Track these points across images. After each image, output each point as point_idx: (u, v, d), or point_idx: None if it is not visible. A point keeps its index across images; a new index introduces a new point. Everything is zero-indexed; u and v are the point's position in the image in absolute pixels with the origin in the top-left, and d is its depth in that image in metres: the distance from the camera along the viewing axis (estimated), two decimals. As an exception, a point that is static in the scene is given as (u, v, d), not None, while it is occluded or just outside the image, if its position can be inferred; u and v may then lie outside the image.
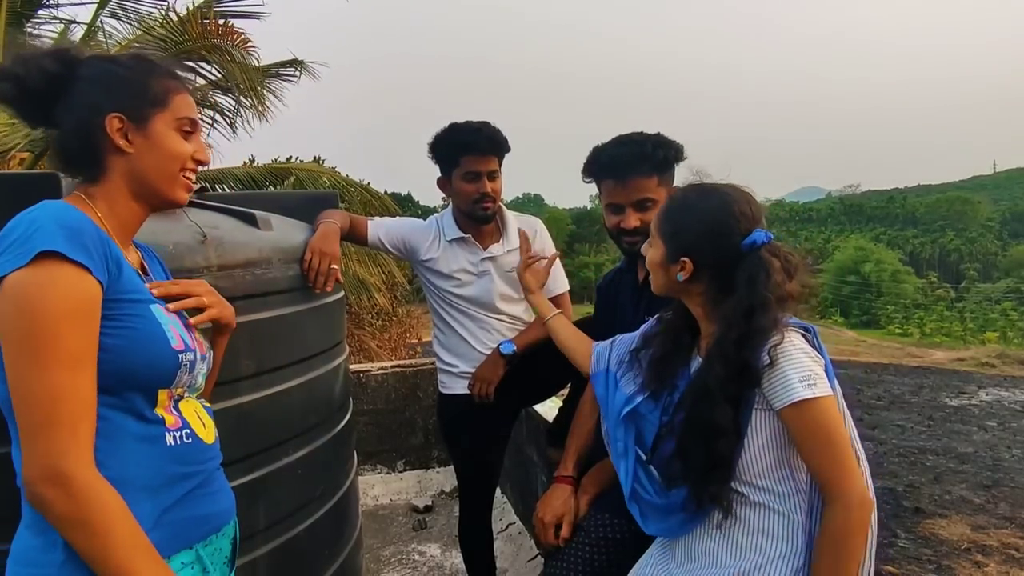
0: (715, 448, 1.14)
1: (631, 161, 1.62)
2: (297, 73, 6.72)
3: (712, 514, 1.22)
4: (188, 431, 1.00)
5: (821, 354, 1.18)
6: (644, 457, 1.33)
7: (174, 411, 0.99)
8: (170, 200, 1.04)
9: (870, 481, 1.16)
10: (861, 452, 1.19)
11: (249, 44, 5.86)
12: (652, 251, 1.30)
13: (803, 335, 1.19)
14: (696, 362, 1.29)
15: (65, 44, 1.03)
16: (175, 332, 0.98)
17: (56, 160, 1.01)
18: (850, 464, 1.11)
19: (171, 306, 1.03)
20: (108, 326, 0.89)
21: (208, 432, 1.04)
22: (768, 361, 1.13)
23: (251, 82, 5.51)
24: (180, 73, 1.06)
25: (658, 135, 1.66)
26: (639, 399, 1.37)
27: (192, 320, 1.07)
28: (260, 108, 6.11)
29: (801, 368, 1.12)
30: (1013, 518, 2.76)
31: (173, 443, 0.97)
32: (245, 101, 5.99)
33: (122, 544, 0.85)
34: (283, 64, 6.74)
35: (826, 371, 1.16)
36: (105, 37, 5.58)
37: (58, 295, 0.84)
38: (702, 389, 1.17)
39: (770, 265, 1.16)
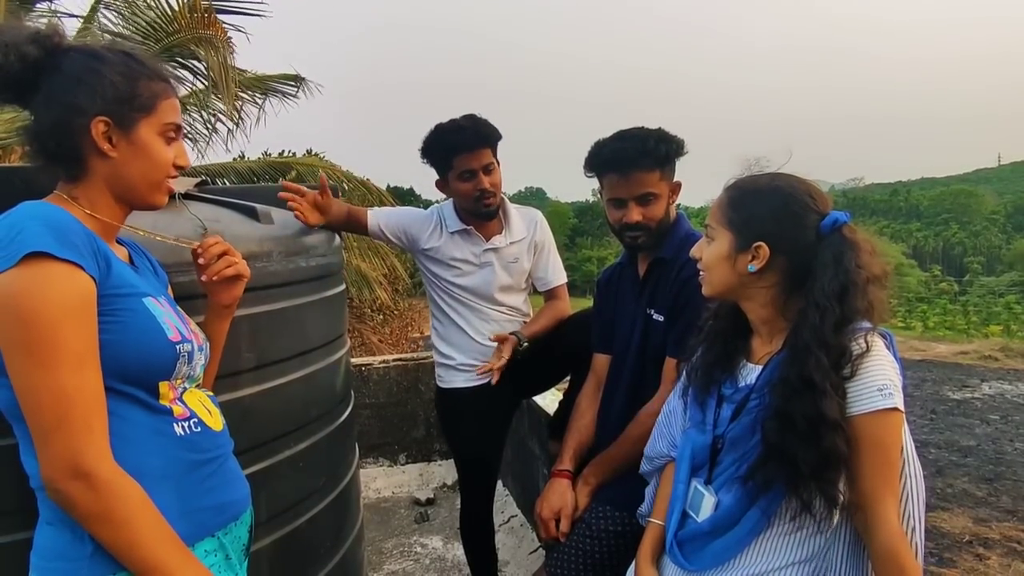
0: (828, 445, 1.01)
1: (633, 155, 1.62)
2: (295, 87, 6.73)
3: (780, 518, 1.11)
4: (196, 420, 1.01)
5: (898, 365, 1.09)
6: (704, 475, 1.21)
7: (180, 403, 0.99)
8: (150, 204, 1.04)
9: (920, 509, 1.08)
10: (918, 467, 1.10)
11: (229, 37, 5.68)
12: (714, 246, 1.18)
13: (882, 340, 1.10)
14: (748, 369, 1.21)
15: (48, 29, 0.99)
16: (171, 324, 0.97)
17: (32, 152, 0.98)
18: (895, 491, 1.05)
19: (214, 268, 1.12)
20: (102, 322, 0.89)
21: (215, 420, 1.06)
22: (865, 348, 1.04)
23: (228, 81, 5.35)
24: (167, 75, 1.04)
25: (659, 130, 1.66)
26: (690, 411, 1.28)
27: (222, 273, 1.13)
28: (235, 114, 6.04)
29: (881, 375, 1.04)
30: (1015, 511, 2.76)
31: (183, 433, 0.98)
32: (221, 104, 5.84)
33: (147, 534, 0.86)
34: (283, 77, 6.74)
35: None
36: (100, 30, 5.54)
37: (54, 295, 0.83)
38: (803, 382, 1.04)
39: (856, 243, 1.09)
